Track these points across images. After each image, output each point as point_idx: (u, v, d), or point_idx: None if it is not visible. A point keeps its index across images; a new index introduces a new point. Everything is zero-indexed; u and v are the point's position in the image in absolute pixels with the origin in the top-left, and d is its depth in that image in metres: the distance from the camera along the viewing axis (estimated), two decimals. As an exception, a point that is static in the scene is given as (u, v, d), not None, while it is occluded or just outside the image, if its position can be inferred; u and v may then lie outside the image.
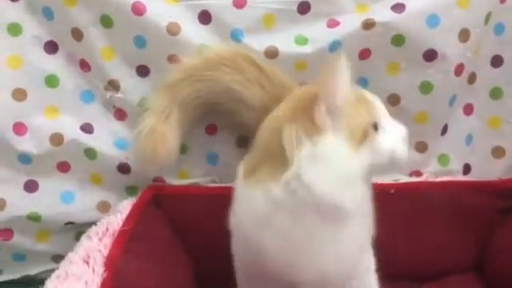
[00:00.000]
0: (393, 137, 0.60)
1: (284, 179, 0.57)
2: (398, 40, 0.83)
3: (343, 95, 0.57)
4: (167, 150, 0.80)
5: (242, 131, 0.89)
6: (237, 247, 0.69)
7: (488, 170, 0.93)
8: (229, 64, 0.80)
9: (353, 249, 0.62)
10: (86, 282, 0.60)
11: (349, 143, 0.57)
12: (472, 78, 0.90)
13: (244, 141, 0.90)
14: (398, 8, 0.82)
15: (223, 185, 0.90)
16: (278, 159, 0.58)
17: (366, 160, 0.58)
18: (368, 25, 0.82)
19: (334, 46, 0.83)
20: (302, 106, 0.58)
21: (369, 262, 0.70)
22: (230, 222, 0.69)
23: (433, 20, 0.82)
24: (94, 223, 0.78)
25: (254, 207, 0.61)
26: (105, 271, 0.62)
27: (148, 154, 0.80)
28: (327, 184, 0.56)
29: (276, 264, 0.61)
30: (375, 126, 0.59)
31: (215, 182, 0.91)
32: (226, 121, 0.88)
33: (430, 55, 0.84)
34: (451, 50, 0.84)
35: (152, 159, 0.80)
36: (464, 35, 0.84)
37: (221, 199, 0.84)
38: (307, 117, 0.57)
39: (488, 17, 0.85)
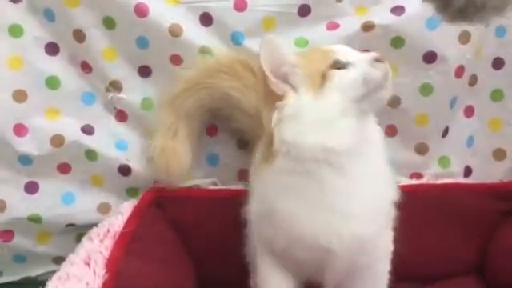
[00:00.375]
0: (359, 66, 0.61)
1: (275, 149, 0.61)
2: (398, 42, 0.83)
3: (282, 60, 0.63)
4: (180, 166, 0.83)
5: (240, 135, 0.89)
6: (263, 233, 0.68)
7: (489, 172, 0.93)
8: (227, 71, 0.82)
9: (375, 202, 0.63)
10: (87, 284, 0.60)
11: (309, 92, 0.61)
12: (473, 80, 0.91)
13: (244, 143, 0.90)
14: (398, 10, 0.83)
15: (224, 187, 0.90)
16: (271, 139, 0.63)
17: (335, 98, 0.60)
18: (368, 27, 0.83)
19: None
20: (261, 89, 0.66)
21: (386, 249, 0.70)
22: (249, 211, 0.72)
23: (432, 22, 0.83)
24: (94, 225, 0.78)
25: (272, 184, 0.63)
26: (106, 273, 0.62)
27: (163, 172, 0.83)
28: (307, 134, 0.60)
29: (309, 230, 0.61)
30: (338, 66, 0.61)
31: (216, 183, 0.91)
32: (224, 124, 0.89)
33: (430, 57, 0.84)
34: (451, 51, 0.84)
35: (167, 176, 0.83)
36: (464, 37, 0.84)
37: (221, 201, 0.86)
38: (268, 93, 0.63)
39: (488, 19, 0.85)
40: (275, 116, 0.61)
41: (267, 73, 0.62)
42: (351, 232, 0.60)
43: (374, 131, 0.66)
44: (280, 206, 0.62)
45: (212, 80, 0.82)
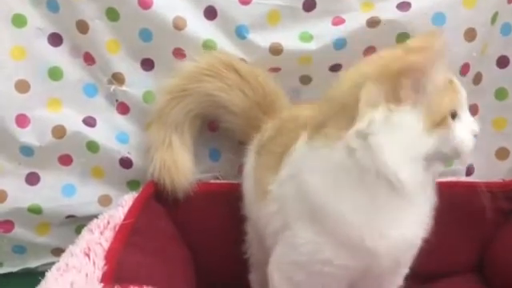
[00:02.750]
0: (465, 129, 0.58)
1: (349, 134, 0.54)
2: (403, 38, 0.82)
3: (435, 77, 0.55)
4: (184, 175, 0.83)
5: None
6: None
7: (491, 172, 0.92)
8: (209, 73, 0.82)
9: (418, 228, 0.60)
10: (87, 275, 0.60)
11: (425, 123, 0.55)
12: (478, 79, 0.90)
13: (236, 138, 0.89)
14: (404, 6, 0.82)
15: (225, 181, 0.90)
16: (350, 114, 0.55)
17: (435, 144, 0.56)
18: (373, 23, 0.82)
19: (339, 44, 0.83)
20: (390, 72, 0.54)
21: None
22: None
23: (438, 18, 0.82)
24: (94, 217, 0.78)
25: (323, 167, 0.57)
26: (105, 264, 0.62)
27: (169, 186, 0.82)
28: (392, 154, 0.54)
29: (353, 226, 0.56)
30: (453, 115, 0.57)
31: (217, 178, 0.91)
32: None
33: (435, 54, 0.84)
34: (457, 49, 0.84)
35: (173, 188, 0.82)
36: (470, 34, 0.84)
37: (222, 195, 0.85)
38: (393, 85, 0.54)
39: (495, 17, 0.85)
40: (382, 114, 0.53)
41: (415, 73, 0.54)
42: (401, 239, 0.58)
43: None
44: (329, 202, 0.57)
45: (195, 85, 0.82)
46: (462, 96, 0.60)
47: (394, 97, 0.54)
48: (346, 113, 0.55)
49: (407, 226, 0.58)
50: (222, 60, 0.82)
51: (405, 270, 0.67)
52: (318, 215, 0.58)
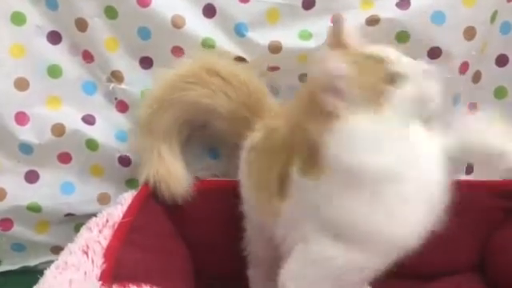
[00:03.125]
0: (414, 81, 0.57)
1: (324, 165, 0.57)
2: (403, 37, 0.83)
3: (339, 76, 0.55)
4: (180, 182, 0.82)
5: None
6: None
7: (491, 170, 0.92)
8: (192, 80, 0.81)
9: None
10: (85, 273, 0.60)
11: (367, 111, 0.55)
12: (477, 77, 0.90)
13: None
14: (403, 5, 0.82)
15: (224, 179, 0.90)
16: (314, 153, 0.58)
17: (396, 117, 0.56)
18: (372, 21, 0.82)
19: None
20: (309, 105, 0.58)
21: None
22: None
23: (438, 17, 0.82)
24: (93, 215, 0.78)
25: (330, 198, 0.59)
26: (104, 262, 0.62)
27: (166, 195, 0.82)
28: (365, 155, 0.55)
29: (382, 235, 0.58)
30: (390, 79, 0.57)
31: (216, 176, 0.91)
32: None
33: (435, 53, 0.84)
34: (456, 47, 0.84)
35: (171, 196, 0.82)
36: (469, 33, 0.83)
37: (221, 193, 0.85)
38: (319, 112, 0.56)
39: (494, 15, 0.84)
40: (328, 135, 0.55)
41: (322, 89, 0.55)
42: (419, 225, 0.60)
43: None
44: (356, 219, 0.57)
45: (179, 93, 0.81)
46: (382, 53, 0.59)
47: (328, 116, 0.55)
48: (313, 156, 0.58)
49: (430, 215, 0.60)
50: (203, 65, 0.81)
51: None
52: (347, 232, 0.58)
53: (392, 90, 0.56)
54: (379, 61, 0.58)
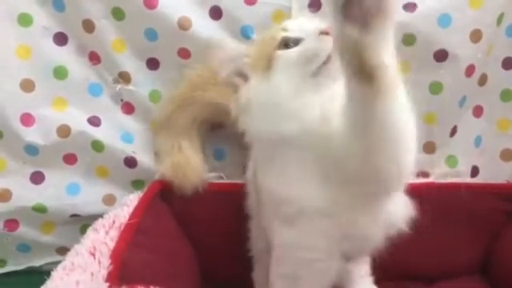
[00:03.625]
0: (305, 42, 0.59)
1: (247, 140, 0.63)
2: (409, 39, 0.83)
3: (228, 56, 0.64)
4: (197, 173, 0.83)
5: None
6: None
7: (496, 173, 0.92)
8: (212, 81, 0.81)
9: None
10: (92, 274, 0.60)
11: (257, 78, 0.61)
12: (483, 80, 0.90)
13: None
14: (410, 7, 0.82)
15: (230, 181, 0.90)
16: None
17: (280, 80, 0.58)
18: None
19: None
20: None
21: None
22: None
23: (444, 20, 0.82)
24: (99, 216, 0.78)
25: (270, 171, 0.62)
26: (111, 264, 0.62)
27: (181, 182, 0.82)
28: (260, 121, 0.59)
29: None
30: (284, 45, 0.60)
31: (222, 178, 0.91)
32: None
33: (441, 55, 0.84)
34: (462, 50, 0.84)
35: (185, 185, 0.82)
36: (476, 36, 0.83)
37: (227, 195, 0.85)
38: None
39: (500, 18, 0.84)
40: (233, 109, 0.63)
41: (220, 74, 0.63)
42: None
43: None
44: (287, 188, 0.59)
45: (199, 93, 0.82)
46: (284, 24, 0.63)
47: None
48: None
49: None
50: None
51: None
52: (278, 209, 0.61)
53: (278, 54, 0.59)
54: (277, 31, 0.63)
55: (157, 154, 0.87)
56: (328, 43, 0.58)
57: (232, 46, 0.65)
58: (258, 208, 0.72)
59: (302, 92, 0.58)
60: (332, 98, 0.57)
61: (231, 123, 0.82)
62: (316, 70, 0.58)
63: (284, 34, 0.61)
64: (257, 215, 0.78)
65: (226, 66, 0.63)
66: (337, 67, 0.55)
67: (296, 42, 0.60)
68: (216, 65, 0.63)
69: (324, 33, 0.59)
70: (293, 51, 0.59)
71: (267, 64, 0.60)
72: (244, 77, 0.63)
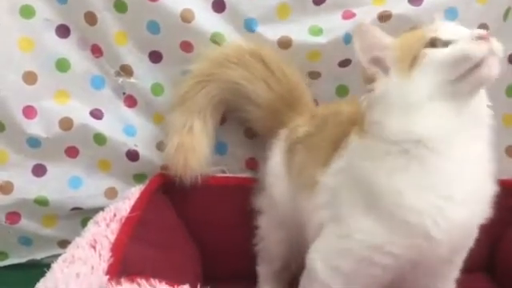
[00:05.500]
0: (457, 43, 0.56)
1: (365, 130, 0.59)
2: (415, 33, 0.82)
3: (374, 44, 0.60)
4: (198, 161, 0.82)
5: (249, 125, 0.88)
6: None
7: (501, 169, 0.90)
8: (235, 61, 0.81)
9: (479, 186, 0.57)
10: (93, 267, 0.59)
11: (399, 74, 0.57)
12: (488, 75, 0.89)
13: (253, 131, 0.89)
14: (416, 1, 0.81)
15: (231, 175, 0.90)
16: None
17: (423, 80, 0.56)
18: (384, 17, 0.81)
19: (349, 38, 0.82)
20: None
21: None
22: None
23: (451, 14, 0.81)
24: (100, 209, 0.78)
25: (374, 155, 0.59)
26: (111, 256, 0.62)
27: (180, 169, 0.81)
28: (392, 117, 0.56)
29: (412, 211, 0.55)
30: (434, 44, 0.57)
31: (224, 171, 0.90)
32: (234, 113, 0.88)
33: (447, 49, 0.83)
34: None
35: (185, 172, 0.81)
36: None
37: (229, 189, 0.85)
38: (364, 79, 0.60)
39: (507, 12, 0.83)
40: (365, 98, 0.59)
41: (359, 58, 0.59)
42: (453, 216, 0.55)
43: (484, 115, 0.60)
44: (383, 185, 0.57)
45: (220, 71, 0.82)
46: (436, 25, 0.60)
47: (369, 80, 0.59)
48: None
49: (463, 203, 0.55)
50: (249, 49, 0.82)
51: (459, 261, 0.64)
52: (375, 201, 0.57)
53: (426, 52, 0.56)
54: (427, 30, 0.60)
55: (164, 140, 0.85)
56: (483, 48, 0.54)
57: (377, 34, 0.61)
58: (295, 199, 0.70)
59: (442, 97, 0.56)
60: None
61: (248, 108, 0.83)
62: (463, 74, 0.55)
63: (434, 34, 0.58)
64: (271, 212, 0.77)
65: (367, 51, 0.59)
66: (483, 77, 0.55)
67: (446, 44, 0.56)
68: (359, 50, 0.59)
69: (481, 37, 0.55)
70: (442, 51, 0.56)
71: (412, 61, 0.57)
72: (384, 69, 0.59)
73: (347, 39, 0.82)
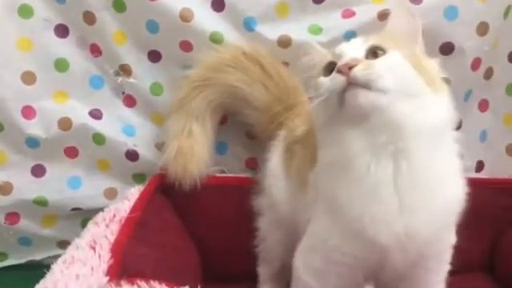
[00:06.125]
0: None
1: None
2: (415, 32, 0.81)
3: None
4: (198, 165, 0.82)
5: (249, 128, 0.88)
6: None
7: (501, 168, 0.91)
8: (232, 64, 0.81)
9: (427, 216, 0.55)
10: (92, 268, 0.59)
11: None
12: (489, 73, 0.89)
13: (254, 132, 0.89)
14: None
15: (231, 175, 0.89)
16: None
17: (319, 107, 0.57)
18: (384, 15, 0.81)
19: (349, 36, 0.81)
20: None
21: (447, 242, 0.64)
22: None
23: (451, 12, 0.81)
24: (100, 209, 0.78)
25: (323, 172, 0.62)
26: (111, 257, 0.61)
27: (180, 173, 0.81)
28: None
29: (358, 223, 0.55)
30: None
31: (224, 171, 0.90)
32: (234, 117, 0.88)
33: (447, 48, 0.82)
34: (469, 43, 0.82)
35: (184, 176, 0.81)
36: (482, 28, 0.82)
37: (228, 189, 0.85)
38: None
39: (507, 10, 0.83)
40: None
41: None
42: (404, 228, 0.54)
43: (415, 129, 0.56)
44: (329, 190, 0.58)
45: (218, 75, 0.82)
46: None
47: None
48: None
49: (411, 213, 0.54)
50: (246, 52, 0.82)
51: (434, 266, 0.63)
52: (328, 202, 0.59)
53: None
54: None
55: (164, 139, 0.85)
56: (339, 81, 0.53)
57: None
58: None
59: (336, 121, 0.55)
60: None
61: (246, 111, 0.83)
62: (336, 105, 0.54)
63: (328, 60, 0.58)
64: (271, 213, 0.77)
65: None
66: (352, 106, 0.53)
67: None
68: None
69: (339, 71, 0.53)
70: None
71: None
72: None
73: (347, 38, 0.81)
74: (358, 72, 0.52)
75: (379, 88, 0.52)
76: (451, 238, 0.64)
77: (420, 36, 0.61)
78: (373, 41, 0.57)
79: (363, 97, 0.52)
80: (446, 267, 0.65)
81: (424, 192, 0.55)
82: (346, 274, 0.60)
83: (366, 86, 0.52)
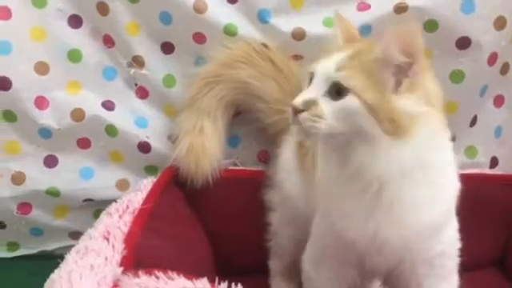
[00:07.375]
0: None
1: None
2: (431, 25, 0.80)
3: None
4: (210, 162, 0.82)
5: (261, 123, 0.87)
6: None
7: (513, 165, 0.90)
8: (243, 60, 0.81)
9: (401, 216, 0.55)
10: (106, 258, 0.59)
11: None
12: (505, 69, 0.87)
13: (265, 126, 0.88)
14: (432, -7, 0.80)
15: (244, 168, 0.89)
16: None
17: None
18: (400, 9, 0.80)
19: (364, 30, 0.81)
20: None
21: (450, 244, 0.65)
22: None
23: (468, 6, 0.80)
24: (112, 201, 0.77)
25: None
26: (124, 248, 0.61)
27: (191, 170, 0.81)
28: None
29: (349, 232, 0.57)
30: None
31: (236, 164, 0.90)
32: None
33: (464, 43, 0.81)
34: (485, 38, 0.81)
35: (196, 174, 0.81)
36: (500, 23, 0.81)
37: (241, 182, 0.85)
38: None
39: (526, 4, 0.82)
40: None
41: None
42: (375, 231, 0.55)
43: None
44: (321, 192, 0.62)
45: (229, 71, 0.82)
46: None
47: None
48: None
49: (382, 219, 0.55)
50: (257, 49, 0.82)
51: (431, 271, 0.62)
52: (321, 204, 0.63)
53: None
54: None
55: (175, 136, 0.85)
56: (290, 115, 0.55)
57: (346, 25, 0.63)
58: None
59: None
60: None
61: (258, 106, 0.82)
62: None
63: (310, 71, 0.57)
64: (282, 208, 0.77)
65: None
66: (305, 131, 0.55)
67: None
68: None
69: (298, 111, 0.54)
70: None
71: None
72: None
73: (363, 31, 0.80)
74: (301, 118, 0.54)
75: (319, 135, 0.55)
76: (444, 246, 0.63)
77: (421, 59, 0.55)
78: (343, 73, 0.53)
79: (311, 125, 0.53)
80: (444, 272, 0.65)
81: (398, 216, 0.55)
82: (336, 268, 0.63)
83: (307, 131, 0.54)
